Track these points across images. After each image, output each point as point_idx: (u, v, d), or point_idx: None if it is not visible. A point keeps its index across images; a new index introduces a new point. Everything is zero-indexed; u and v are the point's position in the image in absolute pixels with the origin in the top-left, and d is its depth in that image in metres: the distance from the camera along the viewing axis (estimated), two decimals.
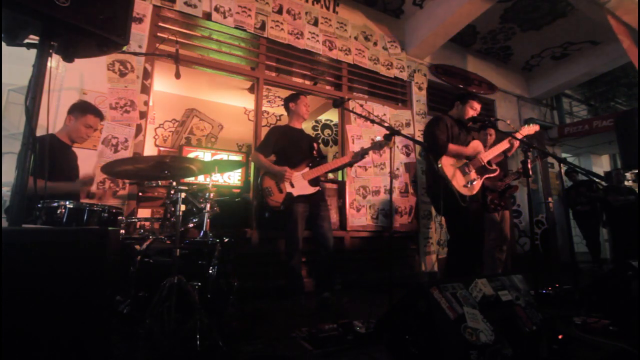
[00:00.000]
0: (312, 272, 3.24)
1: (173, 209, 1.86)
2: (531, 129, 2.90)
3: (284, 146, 2.74)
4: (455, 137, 2.65)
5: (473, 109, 2.68)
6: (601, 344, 1.70)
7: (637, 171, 4.62)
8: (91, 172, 2.46)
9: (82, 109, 2.25)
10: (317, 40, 3.88)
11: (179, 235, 1.66)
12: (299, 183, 2.62)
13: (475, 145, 2.67)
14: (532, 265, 3.78)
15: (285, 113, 3.04)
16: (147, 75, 3.00)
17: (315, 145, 2.90)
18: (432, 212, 4.30)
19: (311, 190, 2.64)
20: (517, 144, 2.80)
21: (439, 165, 2.49)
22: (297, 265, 2.67)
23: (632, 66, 5.61)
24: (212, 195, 2.03)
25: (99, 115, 2.31)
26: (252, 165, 3.33)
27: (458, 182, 2.51)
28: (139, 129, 2.90)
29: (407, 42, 4.57)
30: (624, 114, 5.67)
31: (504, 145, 2.81)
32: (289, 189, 2.58)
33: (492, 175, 2.67)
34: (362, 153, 2.76)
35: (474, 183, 2.55)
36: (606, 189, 5.09)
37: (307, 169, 2.67)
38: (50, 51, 1.13)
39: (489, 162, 2.65)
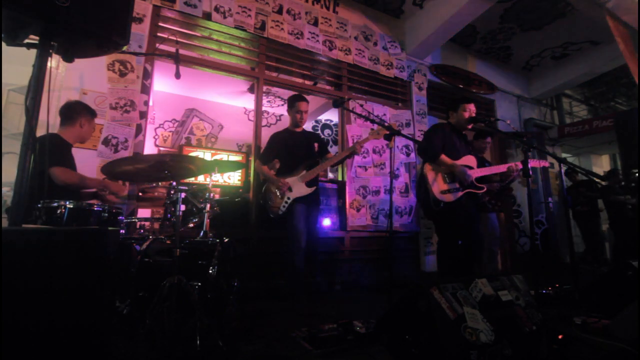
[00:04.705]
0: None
1: (173, 209, 1.86)
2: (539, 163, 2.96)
3: (283, 153, 2.89)
4: (452, 145, 2.67)
5: (468, 111, 2.72)
6: (601, 344, 1.70)
7: (637, 171, 4.61)
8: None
9: (89, 112, 2.31)
10: (317, 40, 3.88)
11: (179, 235, 1.66)
12: (297, 186, 2.78)
13: (467, 160, 2.68)
14: (532, 265, 3.77)
15: (285, 112, 3.08)
16: (147, 75, 3.00)
17: (316, 145, 2.99)
18: None
19: (308, 190, 2.80)
20: (516, 173, 2.88)
21: (422, 167, 2.57)
22: (298, 264, 2.70)
23: None
24: (216, 195, 2.04)
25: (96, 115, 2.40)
26: (252, 165, 3.34)
27: (439, 186, 2.53)
28: (139, 129, 2.90)
29: (407, 42, 4.56)
30: (624, 114, 5.67)
31: (500, 168, 2.84)
32: (288, 193, 2.75)
33: (475, 191, 2.64)
34: (359, 143, 2.86)
35: (457, 193, 2.55)
36: (605, 189, 5.08)
37: (304, 172, 2.81)
38: (50, 51, 1.13)
39: (478, 179, 2.66)
